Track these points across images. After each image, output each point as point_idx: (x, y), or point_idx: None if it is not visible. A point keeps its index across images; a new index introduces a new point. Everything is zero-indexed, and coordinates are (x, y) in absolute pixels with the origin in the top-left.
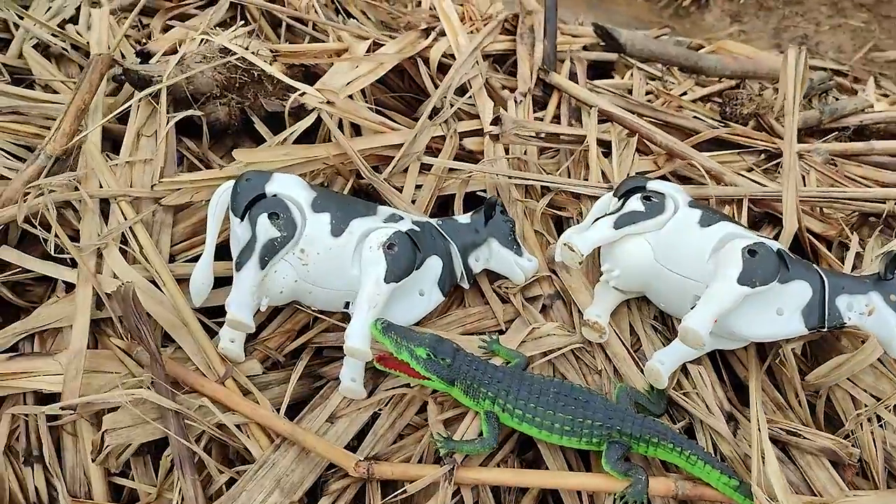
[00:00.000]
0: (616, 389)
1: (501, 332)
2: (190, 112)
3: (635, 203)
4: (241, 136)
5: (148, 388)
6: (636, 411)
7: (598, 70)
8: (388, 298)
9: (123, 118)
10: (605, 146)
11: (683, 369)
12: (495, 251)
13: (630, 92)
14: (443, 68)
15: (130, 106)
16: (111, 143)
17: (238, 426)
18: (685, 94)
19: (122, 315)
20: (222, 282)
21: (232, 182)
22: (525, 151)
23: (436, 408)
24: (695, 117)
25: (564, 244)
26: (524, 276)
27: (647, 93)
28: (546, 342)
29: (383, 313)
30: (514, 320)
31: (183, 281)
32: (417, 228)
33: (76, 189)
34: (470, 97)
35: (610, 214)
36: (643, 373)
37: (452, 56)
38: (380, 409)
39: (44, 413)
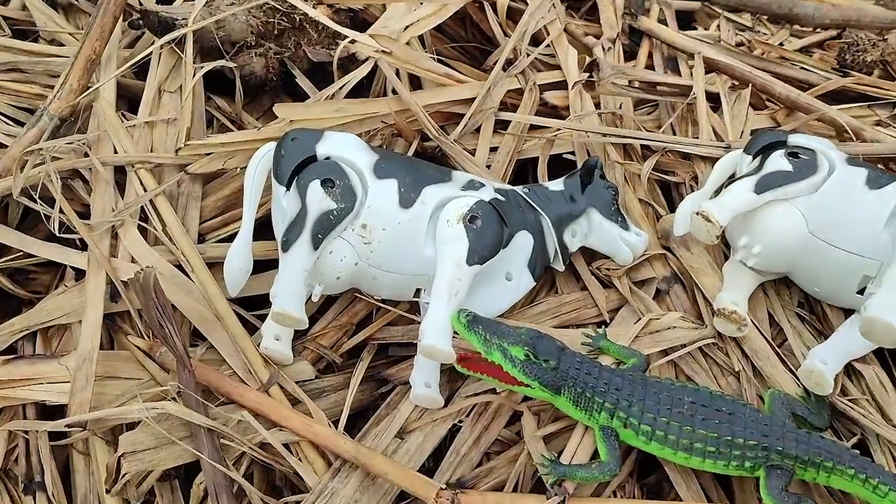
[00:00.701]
0: (767, 397)
1: (605, 325)
2: (221, 63)
3: (779, 161)
4: (280, 93)
5: (174, 399)
6: (795, 425)
7: (678, 21)
8: (471, 284)
9: (142, 73)
10: (711, 100)
11: (847, 370)
12: (596, 224)
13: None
14: (512, 15)
15: (150, 55)
16: (128, 102)
17: (287, 446)
18: (781, 45)
19: (141, 308)
20: (263, 266)
21: (273, 144)
22: (620, 106)
23: (532, 419)
24: (802, 68)
25: (698, 213)
26: (632, 254)
27: (738, 44)
28: (667, 337)
29: (464, 303)
30: (620, 309)
31: (215, 266)
32: (502, 198)
33: (86, 155)
34: (548, 46)
35: (746, 176)
36: (795, 375)
37: (523, 0)
38: (460, 422)
39: (46, 431)
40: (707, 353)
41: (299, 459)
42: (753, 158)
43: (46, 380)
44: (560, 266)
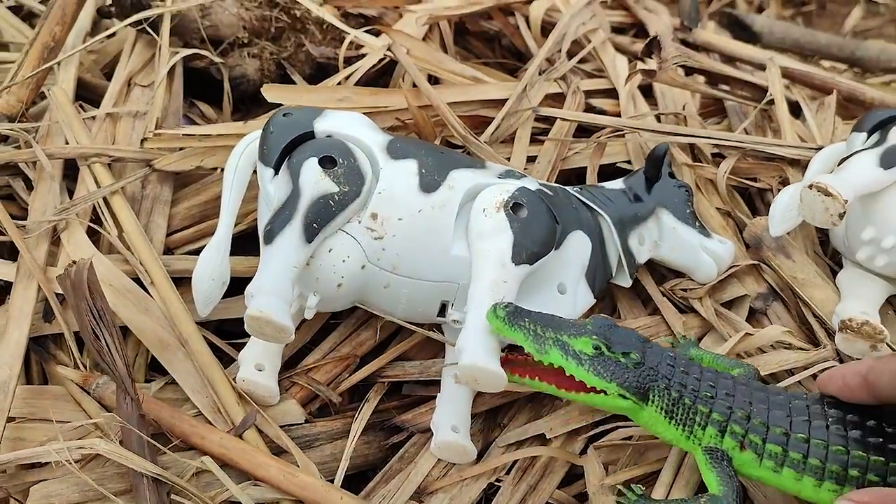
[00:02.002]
0: None
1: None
2: (204, 52)
3: None
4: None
5: (109, 439)
6: None
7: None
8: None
9: (110, 72)
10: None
11: None
12: (668, 229)
13: None
14: (547, 33)
15: (114, 37)
16: (93, 104)
17: None
18: None
19: (74, 312)
20: (242, 286)
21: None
22: (684, 107)
23: (598, 464)
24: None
25: (812, 187)
26: (716, 266)
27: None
28: (770, 361)
29: None
30: (703, 338)
31: (182, 283)
32: (549, 192)
33: (28, 146)
34: (590, 54)
35: (863, 151)
36: None
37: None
38: (498, 481)
39: None
40: None
41: None
42: (869, 136)
43: None
44: (626, 281)
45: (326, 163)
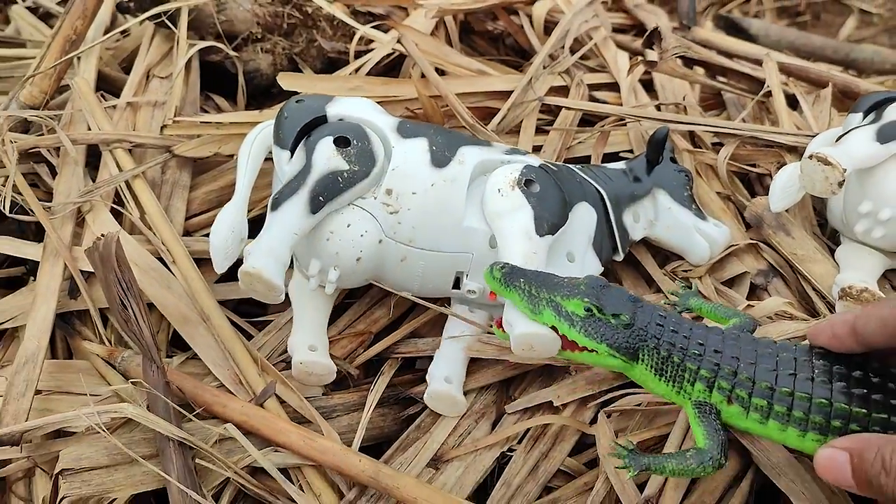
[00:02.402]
0: None
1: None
2: (220, 45)
3: None
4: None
5: (137, 404)
6: None
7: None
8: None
9: (129, 67)
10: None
11: None
12: (664, 209)
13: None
14: (548, 31)
15: (132, 34)
16: (113, 97)
17: (284, 471)
18: None
19: (102, 283)
20: None
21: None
22: (684, 98)
23: (607, 428)
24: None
25: (812, 157)
26: (709, 249)
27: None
28: (771, 332)
29: None
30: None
31: (203, 263)
32: (553, 167)
33: (52, 132)
34: (591, 51)
35: (861, 126)
36: None
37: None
38: (510, 450)
39: None
40: None
41: (300, 489)
42: (864, 116)
43: None
44: (619, 254)
45: (341, 143)
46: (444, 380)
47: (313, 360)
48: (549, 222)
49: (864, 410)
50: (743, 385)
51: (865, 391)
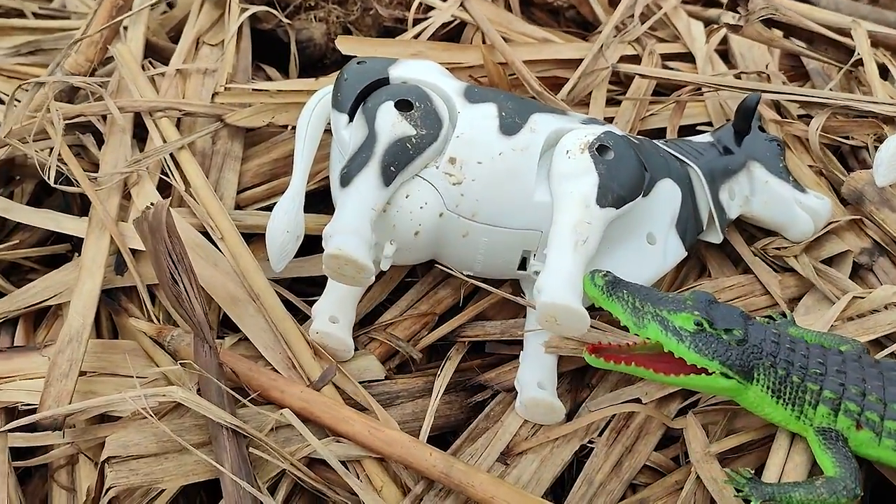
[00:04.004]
0: None
1: (782, 316)
2: (271, 11)
3: None
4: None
5: (188, 388)
6: None
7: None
8: (602, 237)
9: (177, 36)
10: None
11: None
12: (761, 183)
13: None
14: (613, 4)
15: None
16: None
17: (345, 463)
18: None
19: (151, 256)
20: (315, 245)
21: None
22: (767, 66)
23: (699, 430)
24: None
25: None
26: (812, 223)
27: None
28: (881, 321)
29: (594, 265)
30: (802, 298)
31: (255, 239)
32: (636, 141)
33: (100, 100)
34: (661, 21)
35: None
36: None
37: None
38: (590, 442)
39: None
40: None
41: (361, 482)
42: None
43: (23, 376)
44: (717, 237)
45: (403, 106)
46: (538, 386)
47: (329, 331)
48: (616, 194)
49: None
50: (873, 407)
51: None
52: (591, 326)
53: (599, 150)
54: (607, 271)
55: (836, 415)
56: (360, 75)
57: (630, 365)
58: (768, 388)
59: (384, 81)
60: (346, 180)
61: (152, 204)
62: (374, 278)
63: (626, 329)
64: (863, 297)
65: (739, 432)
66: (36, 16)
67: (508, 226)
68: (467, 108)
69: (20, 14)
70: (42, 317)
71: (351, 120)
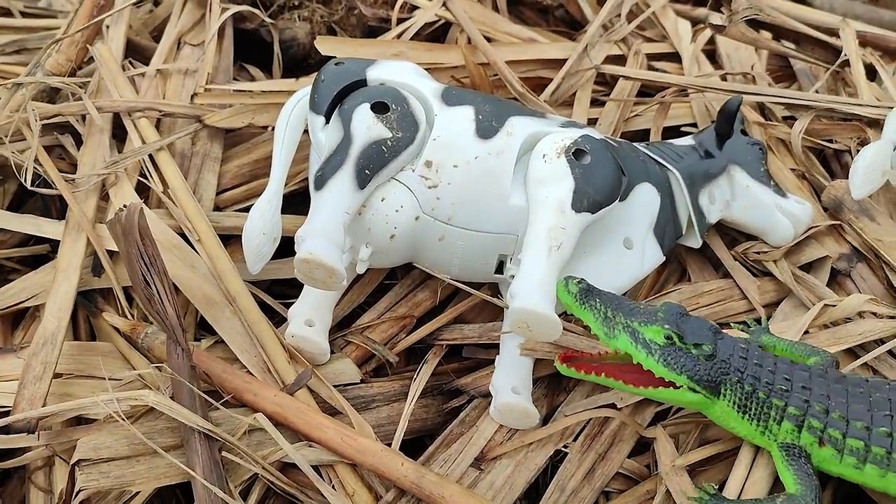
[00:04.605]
0: None
1: (757, 322)
2: (254, 10)
3: None
4: None
5: (160, 391)
6: None
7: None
8: (579, 242)
9: (160, 36)
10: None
11: None
12: (741, 187)
13: None
14: (601, 2)
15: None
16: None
17: (317, 468)
18: None
19: (124, 258)
20: (293, 247)
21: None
22: (752, 66)
23: (668, 442)
24: None
25: None
26: (792, 228)
27: None
28: (853, 331)
29: (569, 270)
30: (779, 303)
31: (232, 240)
32: (614, 144)
33: (78, 100)
34: (648, 19)
35: None
36: None
37: None
38: (565, 447)
39: None
40: None
41: (334, 488)
42: None
43: None
44: (696, 242)
45: (379, 108)
46: (512, 391)
47: (305, 335)
48: (592, 199)
49: None
50: (836, 425)
51: None
52: (566, 330)
53: (576, 154)
54: (581, 279)
55: (799, 431)
56: (338, 77)
57: (600, 376)
58: (734, 403)
59: (361, 83)
60: (320, 183)
61: (125, 206)
62: (346, 283)
63: (597, 338)
64: (834, 306)
65: (711, 443)
66: (22, 14)
67: (484, 230)
68: (444, 110)
69: (6, 13)
70: (21, 318)
71: (328, 122)
